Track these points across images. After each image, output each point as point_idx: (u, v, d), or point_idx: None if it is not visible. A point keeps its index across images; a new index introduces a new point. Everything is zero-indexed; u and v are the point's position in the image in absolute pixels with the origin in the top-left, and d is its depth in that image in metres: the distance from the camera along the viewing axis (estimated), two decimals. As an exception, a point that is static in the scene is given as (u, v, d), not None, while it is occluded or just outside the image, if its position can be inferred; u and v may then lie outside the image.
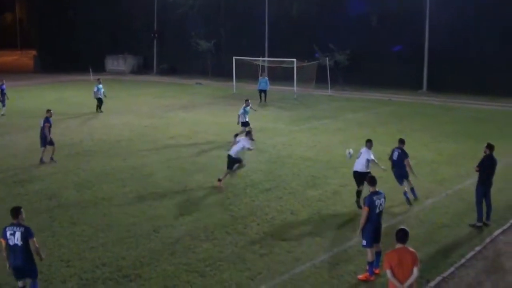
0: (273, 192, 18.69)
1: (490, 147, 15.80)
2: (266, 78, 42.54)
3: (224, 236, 14.78)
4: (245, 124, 27.08)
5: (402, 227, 10.07)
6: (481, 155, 16.00)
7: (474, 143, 25.70)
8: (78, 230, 15.20)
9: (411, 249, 9.78)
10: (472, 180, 16.20)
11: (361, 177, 16.60)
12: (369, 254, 12.38)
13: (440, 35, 47.79)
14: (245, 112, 27.42)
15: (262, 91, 41.68)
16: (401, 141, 18.13)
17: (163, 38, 68.44)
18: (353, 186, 17.59)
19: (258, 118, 33.31)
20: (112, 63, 71.78)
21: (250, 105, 28.07)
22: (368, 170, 16.88)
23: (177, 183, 19.71)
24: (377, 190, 12.44)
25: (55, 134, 29.06)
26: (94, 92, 36.43)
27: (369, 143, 17.40)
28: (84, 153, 24.61)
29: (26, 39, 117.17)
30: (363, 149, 17.34)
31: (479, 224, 15.52)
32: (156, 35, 68.27)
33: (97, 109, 36.37)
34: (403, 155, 17.70)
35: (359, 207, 16.57)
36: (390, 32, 49.96)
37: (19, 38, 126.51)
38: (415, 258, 9.65)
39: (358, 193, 17.13)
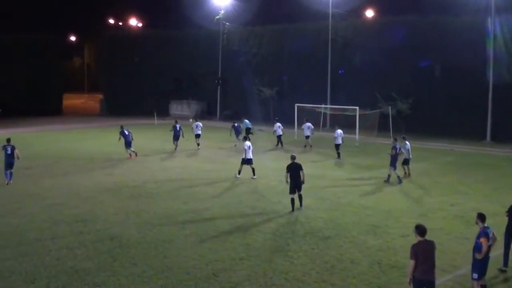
0: (333, 240, 18.39)
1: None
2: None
3: (283, 282, 14.55)
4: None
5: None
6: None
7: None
8: (138, 271, 15.27)
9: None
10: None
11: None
12: None
13: (504, 86, 46.85)
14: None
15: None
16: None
17: (227, 85, 69.38)
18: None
19: (318, 165, 33.14)
20: (176, 107, 72.80)
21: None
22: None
23: (237, 228, 19.68)
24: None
25: (117, 175, 29.68)
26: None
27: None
28: (146, 195, 24.95)
29: (93, 83, 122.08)
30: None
31: (504, 268, 15.54)
32: (220, 81, 69.29)
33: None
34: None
35: None
36: (453, 81, 49.37)
37: (87, 82, 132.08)
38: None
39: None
